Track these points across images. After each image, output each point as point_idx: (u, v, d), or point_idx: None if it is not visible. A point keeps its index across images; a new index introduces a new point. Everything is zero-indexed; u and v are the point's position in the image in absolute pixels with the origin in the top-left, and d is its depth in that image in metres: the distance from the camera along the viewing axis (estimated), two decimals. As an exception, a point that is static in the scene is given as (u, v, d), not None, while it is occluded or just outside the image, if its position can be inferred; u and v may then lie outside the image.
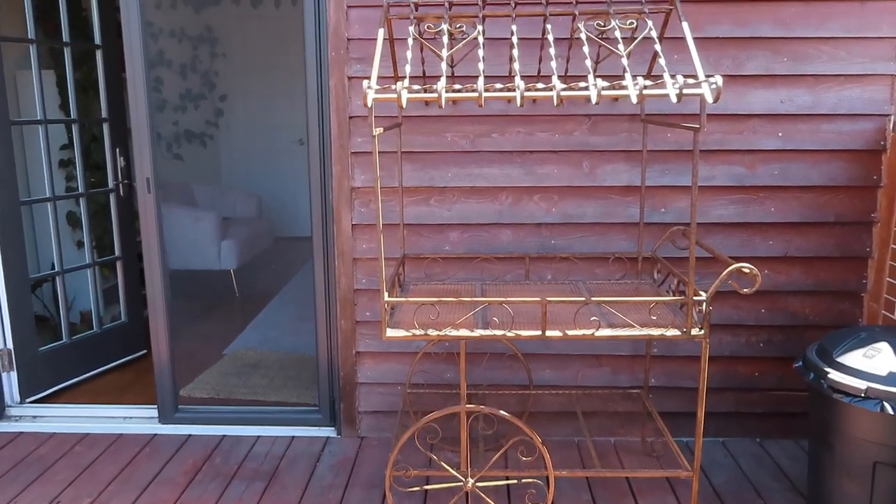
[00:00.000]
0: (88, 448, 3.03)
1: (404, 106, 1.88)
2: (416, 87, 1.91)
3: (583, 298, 2.13)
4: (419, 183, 2.88)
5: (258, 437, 3.12)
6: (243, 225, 5.80)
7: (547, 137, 2.82)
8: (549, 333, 2.11)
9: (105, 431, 3.17)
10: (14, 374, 3.34)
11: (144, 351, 4.02)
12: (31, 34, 3.37)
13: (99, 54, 3.66)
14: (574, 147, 2.83)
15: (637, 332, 2.10)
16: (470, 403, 2.58)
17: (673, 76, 1.85)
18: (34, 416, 3.29)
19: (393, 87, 1.88)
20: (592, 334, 2.10)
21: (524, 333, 2.12)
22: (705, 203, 2.82)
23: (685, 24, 2.06)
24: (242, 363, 3.97)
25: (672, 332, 2.09)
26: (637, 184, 2.81)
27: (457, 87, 1.90)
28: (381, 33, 2.09)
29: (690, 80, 1.85)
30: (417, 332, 2.14)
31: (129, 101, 2.99)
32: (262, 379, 3.72)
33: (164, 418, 3.21)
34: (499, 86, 1.89)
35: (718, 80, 1.82)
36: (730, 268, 2.02)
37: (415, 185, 2.88)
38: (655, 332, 2.10)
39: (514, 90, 1.86)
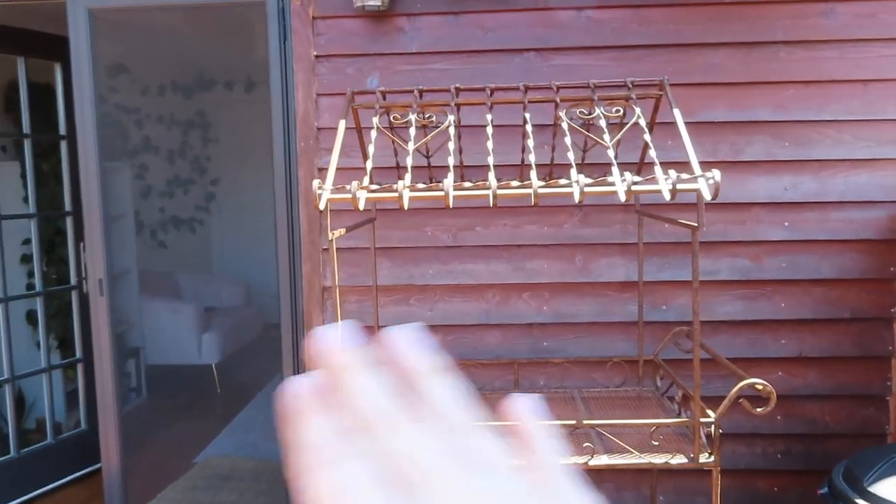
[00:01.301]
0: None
1: (360, 209, 1.67)
2: (374, 186, 1.71)
3: (573, 421, 1.86)
4: (397, 281, 2.65)
5: (219, 566, 2.78)
6: (229, 315, 5.56)
7: (535, 230, 2.61)
8: (536, 462, 1.82)
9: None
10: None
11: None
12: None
13: (63, 145, 3.52)
14: (565, 240, 2.61)
15: (637, 459, 1.82)
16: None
17: (666, 171, 1.65)
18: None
19: (348, 186, 1.67)
20: (586, 463, 1.82)
21: (507, 462, 1.84)
22: (710, 299, 2.57)
23: (676, 112, 1.87)
24: (213, 474, 3.64)
25: (677, 461, 1.81)
26: (634, 279, 2.58)
27: (420, 185, 1.69)
28: (342, 124, 1.91)
29: (685, 176, 1.64)
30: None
31: (82, 193, 2.81)
32: (231, 494, 3.39)
33: (115, 545, 2.88)
34: (468, 184, 1.68)
35: (716, 174, 1.61)
36: (741, 384, 1.76)
37: (392, 283, 2.65)
38: (658, 459, 1.82)
39: (487, 188, 1.65)
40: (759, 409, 1.76)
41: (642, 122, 1.86)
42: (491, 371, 2.62)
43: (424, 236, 2.63)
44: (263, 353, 6.13)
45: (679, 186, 1.62)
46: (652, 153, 1.74)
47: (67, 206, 3.59)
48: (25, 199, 3.90)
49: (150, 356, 4.92)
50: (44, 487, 3.41)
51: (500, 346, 2.64)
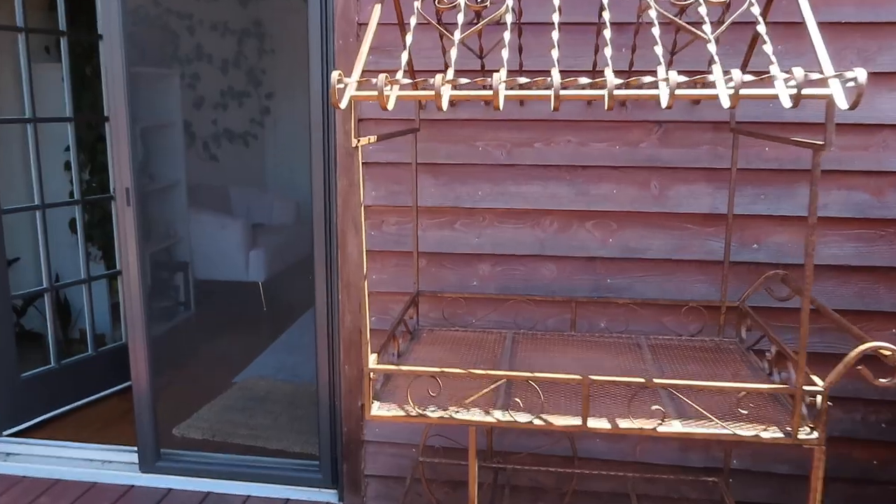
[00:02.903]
0: (54, 500, 2.61)
1: (388, 108, 1.34)
2: (407, 81, 1.36)
3: (642, 379, 1.53)
4: (442, 202, 2.33)
5: (248, 496, 2.64)
6: (277, 233, 5.38)
7: (605, 149, 2.23)
8: (592, 424, 1.53)
9: (78, 478, 2.75)
10: (-14, 406, 2.98)
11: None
12: (19, 22, 3.00)
13: (101, 45, 3.27)
14: (640, 162, 2.22)
15: (719, 430, 1.49)
16: (496, 480, 2.03)
17: (787, 70, 1.24)
18: (7, 454, 2.91)
19: (374, 80, 1.34)
20: (654, 429, 1.51)
21: (558, 422, 1.55)
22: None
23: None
24: (251, 395, 3.51)
25: (770, 435, 1.48)
26: (721, 211, 2.18)
27: (463, 80, 1.34)
28: (377, 10, 1.55)
29: (814, 76, 1.24)
30: (412, 411, 1.59)
31: (108, 98, 2.56)
32: (266, 417, 3.25)
33: (144, 466, 2.77)
34: (523, 79, 1.32)
35: (860, 74, 1.20)
36: (861, 348, 1.39)
37: (437, 204, 2.33)
38: (746, 431, 1.49)
39: (548, 86, 1.28)
40: (882, 380, 1.40)
41: (756, 11, 1.44)
42: (544, 309, 2.30)
43: (475, 152, 2.28)
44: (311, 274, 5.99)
45: (806, 91, 1.22)
46: (767, 49, 1.33)
47: (106, 111, 3.38)
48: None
49: (198, 271, 4.81)
50: (84, 399, 3.35)
51: (555, 282, 2.31)
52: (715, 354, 1.97)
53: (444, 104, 1.31)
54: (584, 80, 1.30)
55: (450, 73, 1.35)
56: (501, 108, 1.29)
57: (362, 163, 2.35)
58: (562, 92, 1.27)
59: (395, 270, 2.39)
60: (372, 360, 1.60)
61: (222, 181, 5.70)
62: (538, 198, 2.28)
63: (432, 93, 1.30)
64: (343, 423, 2.52)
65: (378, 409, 1.61)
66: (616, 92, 1.26)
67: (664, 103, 1.24)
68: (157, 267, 4.47)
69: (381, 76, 1.32)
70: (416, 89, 1.44)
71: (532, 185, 2.28)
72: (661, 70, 1.28)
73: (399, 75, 1.38)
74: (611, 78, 1.25)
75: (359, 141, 1.49)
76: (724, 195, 2.16)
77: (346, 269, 2.41)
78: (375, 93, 1.33)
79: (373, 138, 1.60)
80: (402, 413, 1.60)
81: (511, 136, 2.26)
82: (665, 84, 1.25)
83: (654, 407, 1.52)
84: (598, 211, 2.27)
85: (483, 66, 2.09)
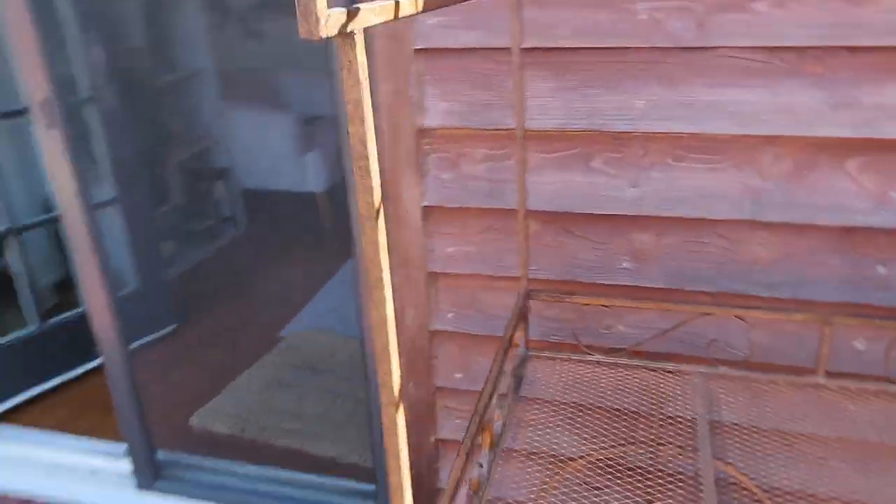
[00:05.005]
0: (23, 533, 1.93)
1: None
2: None
3: None
4: (566, 120, 1.29)
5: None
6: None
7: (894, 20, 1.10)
8: None
9: (55, 494, 2.05)
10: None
11: (174, 326, 2.86)
12: None
13: None
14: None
15: None
16: None
17: None
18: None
19: None
20: None
21: None
22: None
23: None
24: (299, 360, 2.70)
25: None
26: None
27: None
28: None
29: None
30: None
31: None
32: (315, 401, 2.44)
33: (142, 482, 2.04)
34: None
35: None
36: None
37: (559, 126, 1.29)
38: None
39: None
40: None
41: None
42: (759, 324, 1.28)
43: (631, 24, 1.20)
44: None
45: None
46: None
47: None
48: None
49: (242, 180, 3.97)
50: (81, 367, 2.64)
51: (778, 266, 1.27)
52: None
53: None
54: None
55: None
56: None
57: (417, 51, 1.32)
58: None
59: (485, 239, 1.41)
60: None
61: (265, 64, 4.64)
62: (754, 112, 1.20)
63: None
64: (413, 464, 1.65)
65: None
66: None
67: None
68: (190, 175, 3.65)
69: None
70: None
71: (743, 88, 1.19)
72: None
73: None
74: None
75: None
76: None
77: (400, 237, 1.44)
78: None
79: None
80: None
81: (708, -8, 1.16)
82: None
83: None
84: (874, 140, 1.17)
85: None
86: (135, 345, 2.49)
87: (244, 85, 4.15)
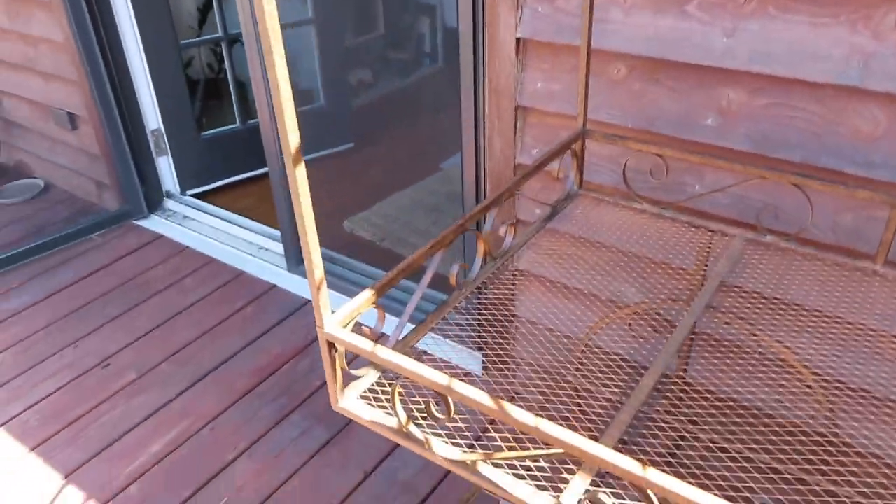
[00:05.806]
0: (200, 282, 2.41)
1: None
2: None
3: None
4: (671, -44, 1.20)
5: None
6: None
7: None
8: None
9: (231, 262, 2.50)
10: (170, 160, 2.79)
11: (350, 144, 3.16)
12: None
13: None
14: None
15: None
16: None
17: None
18: (184, 217, 2.76)
19: None
20: None
21: None
22: None
23: None
24: (447, 189, 2.89)
25: None
26: None
27: None
28: None
29: None
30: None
31: None
32: (445, 225, 2.62)
33: (290, 265, 2.41)
34: None
35: None
36: None
37: (659, -40, 1.21)
38: None
39: None
40: None
41: None
42: (838, 199, 1.17)
43: None
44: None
45: None
46: None
47: None
48: None
49: (447, 19, 4.04)
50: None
51: (881, 145, 1.13)
52: None
53: None
54: None
55: None
56: None
57: None
58: None
59: (573, 79, 1.40)
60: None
61: None
62: (884, -43, 1.03)
63: None
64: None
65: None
66: None
67: None
68: (396, 5, 3.78)
69: None
70: None
71: (876, -74, 1.02)
72: None
73: None
74: None
75: None
76: None
77: (494, 65, 1.47)
78: None
79: None
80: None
81: None
82: None
83: None
84: None
85: None
86: (313, 156, 2.84)
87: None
